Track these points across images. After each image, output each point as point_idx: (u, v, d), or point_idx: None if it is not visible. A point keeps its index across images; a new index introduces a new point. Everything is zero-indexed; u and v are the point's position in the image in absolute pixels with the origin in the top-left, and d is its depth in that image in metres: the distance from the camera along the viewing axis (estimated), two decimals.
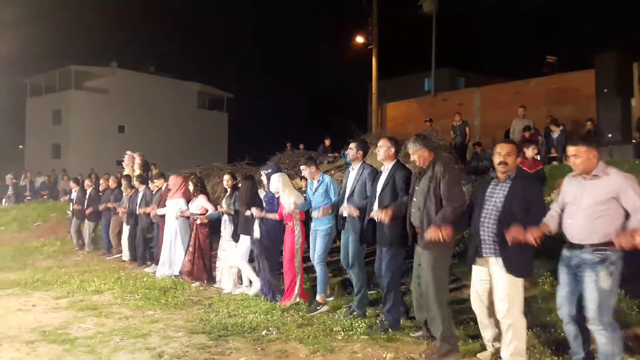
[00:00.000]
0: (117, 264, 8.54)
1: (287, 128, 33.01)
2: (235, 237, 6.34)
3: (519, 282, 3.57)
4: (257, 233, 5.80)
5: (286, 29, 65.21)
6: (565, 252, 3.38)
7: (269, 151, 11.90)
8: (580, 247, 3.25)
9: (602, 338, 3.18)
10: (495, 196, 3.61)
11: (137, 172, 9.33)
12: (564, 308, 3.38)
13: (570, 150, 3.35)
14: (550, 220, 3.45)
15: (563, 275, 3.39)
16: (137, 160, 9.52)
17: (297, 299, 5.43)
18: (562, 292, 3.40)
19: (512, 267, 3.49)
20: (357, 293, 4.93)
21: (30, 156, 31.26)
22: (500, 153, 3.63)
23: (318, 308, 5.17)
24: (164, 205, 7.56)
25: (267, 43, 66.81)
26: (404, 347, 4.07)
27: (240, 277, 6.48)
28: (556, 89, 14.38)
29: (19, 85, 31.92)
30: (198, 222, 6.85)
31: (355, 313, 4.86)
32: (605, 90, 10.16)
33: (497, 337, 3.70)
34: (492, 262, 3.58)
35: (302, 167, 5.55)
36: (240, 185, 6.36)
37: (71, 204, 10.91)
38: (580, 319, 3.32)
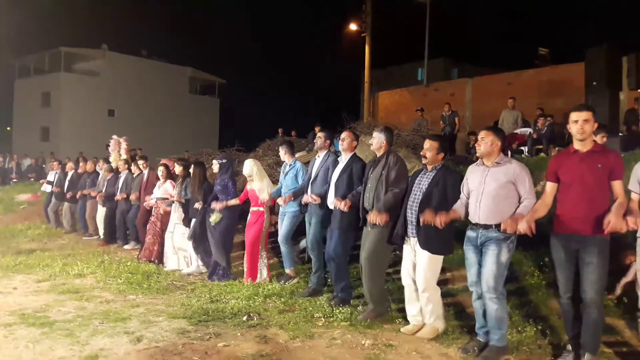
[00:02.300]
0: (101, 248, 8.49)
1: (279, 115, 32.84)
2: (186, 222, 6.66)
3: (437, 258, 4.01)
4: (214, 218, 6.05)
5: (280, 15, 64.57)
6: (471, 233, 3.74)
7: (260, 138, 11.86)
8: (487, 226, 3.63)
9: (494, 305, 3.59)
10: (422, 184, 4.09)
11: (124, 156, 9.26)
12: (475, 285, 3.74)
13: (480, 133, 3.79)
14: (459, 207, 3.84)
15: (471, 255, 3.75)
16: (123, 144, 9.44)
17: (265, 278, 5.85)
18: (473, 270, 3.73)
19: (427, 244, 3.94)
20: (316, 272, 5.40)
21: (19, 138, 30.82)
22: (424, 146, 4.14)
23: (290, 281, 5.71)
24: (151, 189, 7.65)
25: (260, 29, 66.22)
26: (383, 334, 4.09)
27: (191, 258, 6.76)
28: (548, 81, 14.39)
29: (6, 66, 31.37)
30: (161, 211, 7.06)
31: (312, 288, 5.33)
32: (595, 83, 10.20)
33: (419, 313, 4.13)
34: (415, 241, 4.04)
35: (279, 147, 6.05)
36: (191, 172, 6.64)
37: (50, 185, 10.87)
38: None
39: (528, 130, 10.93)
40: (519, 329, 3.99)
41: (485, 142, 3.71)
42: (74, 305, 4.96)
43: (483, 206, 3.64)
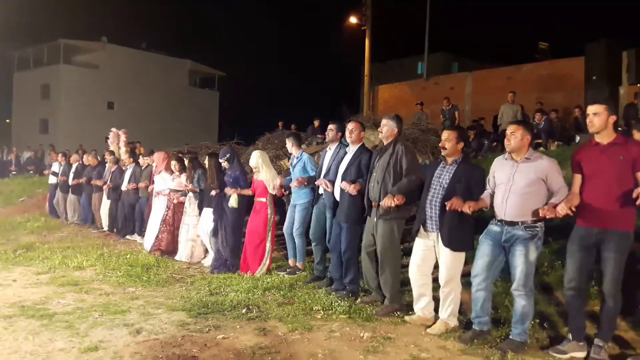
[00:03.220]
0: (100, 240, 8.50)
1: (278, 108, 32.84)
2: (199, 211, 6.75)
3: (460, 255, 3.97)
4: (233, 202, 6.10)
5: (280, 8, 64.26)
6: (495, 228, 3.72)
7: (259, 131, 11.84)
8: (513, 223, 3.60)
9: (522, 301, 3.61)
10: (442, 177, 4.00)
11: (123, 149, 9.26)
12: (480, 276, 3.74)
13: (510, 127, 3.73)
14: (486, 197, 3.81)
15: (485, 247, 3.73)
16: (122, 137, 9.46)
17: (265, 270, 5.89)
18: (482, 262, 3.73)
19: (450, 242, 3.91)
20: (319, 262, 5.50)
21: (18, 130, 30.74)
22: (442, 138, 4.03)
23: (297, 272, 5.80)
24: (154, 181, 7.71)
25: (260, 22, 65.92)
26: (381, 327, 4.11)
27: (206, 250, 6.83)
28: (547, 75, 14.36)
29: (6, 58, 31.20)
30: (175, 201, 7.08)
31: (316, 275, 5.46)
32: (594, 78, 10.19)
33: (427, 307, 4.15)
34: (437, 236, 3.98)
35: (286, 139, 6.13)
36: (207, 163, 6.64)
37: (54, 177, 10.85)
38: (490, 286, 3.75)
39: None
40: None
41: (515, 136, 3.65)
42: (73, 297, 4.98)
43: (510, 202, 3.61)
